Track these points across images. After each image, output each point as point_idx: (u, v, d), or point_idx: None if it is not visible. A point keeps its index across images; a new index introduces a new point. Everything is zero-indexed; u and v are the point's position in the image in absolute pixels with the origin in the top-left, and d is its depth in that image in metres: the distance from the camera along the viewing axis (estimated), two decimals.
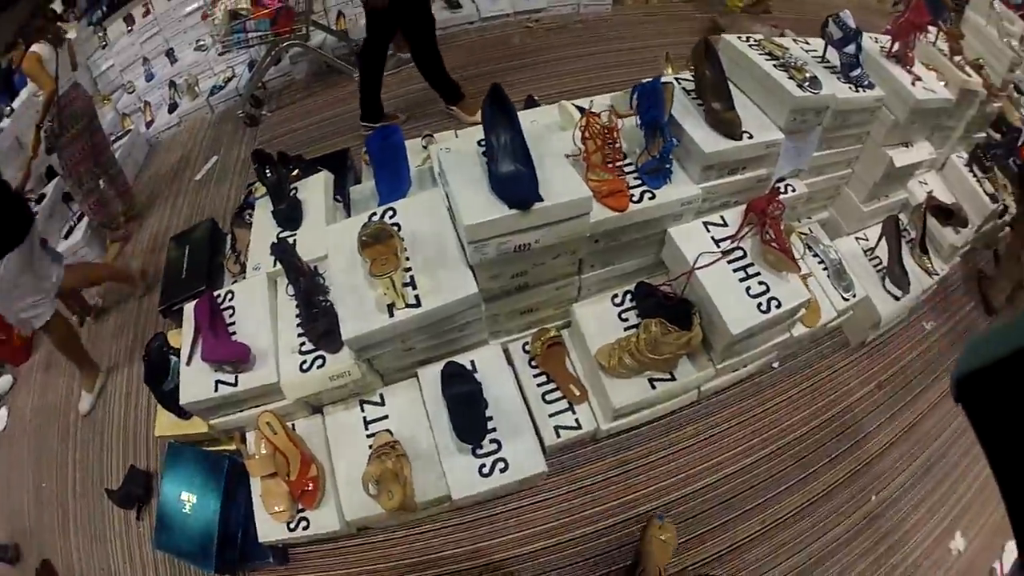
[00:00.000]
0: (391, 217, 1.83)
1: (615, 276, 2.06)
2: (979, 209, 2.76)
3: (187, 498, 1.81)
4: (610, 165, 1.79)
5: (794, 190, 2.18)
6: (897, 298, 2.35)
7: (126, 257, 3.28)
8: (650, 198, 1.84)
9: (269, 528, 1.66)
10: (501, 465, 1.71)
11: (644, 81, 1.87)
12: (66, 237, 3.24)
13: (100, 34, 4.42)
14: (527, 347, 2.01)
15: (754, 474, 2.08)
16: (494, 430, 1.76)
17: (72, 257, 3.17)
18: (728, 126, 1.89)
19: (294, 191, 2.05)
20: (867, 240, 2.52)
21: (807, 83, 1.91)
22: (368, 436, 1.79)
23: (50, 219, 3.34)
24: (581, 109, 2.17)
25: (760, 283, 1.88)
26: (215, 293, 1.85)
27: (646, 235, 1.91)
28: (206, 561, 1.77)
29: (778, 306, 1.83)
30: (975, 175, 2.83)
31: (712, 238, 1.97)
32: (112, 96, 4.37)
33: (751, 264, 1.92)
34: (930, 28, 2.62)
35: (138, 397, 2.52)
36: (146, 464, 2.32)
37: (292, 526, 1.64)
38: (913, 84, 2.13)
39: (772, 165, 1.98)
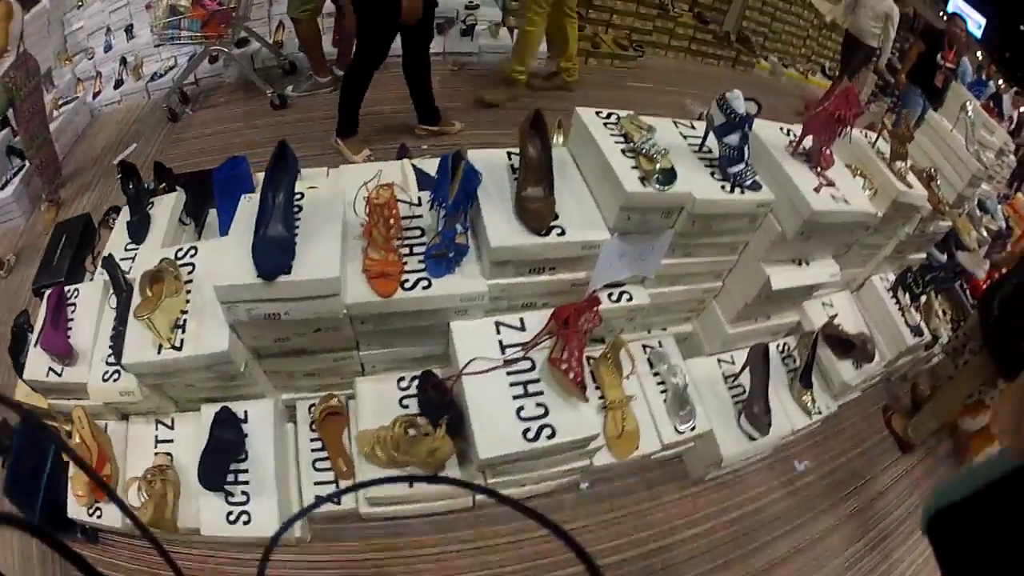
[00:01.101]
0: (192, 255, 1.56)
1: (406, 359, 1.61)
2: (894, 341, 2.17)
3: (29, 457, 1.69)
4: (392, 243, 1.39)
5: (631, 299, 1.62)
6: (752, 438, 1.78)
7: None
8: (425, 287, 1.39)
9: (74, 507, 1.52)
10: (245, 518, 1.44)
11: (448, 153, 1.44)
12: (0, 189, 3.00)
13: None
14: (311, 409, 1.68)
15: None
16: (247, 483, 1.48)
17: None
18: (532, 217, 1.38)
19: (151, 205, 1.87)
20: (733, 364, 1.92)
21: (656, 176, 1.38)
22: (155, 453, 1.57)
23: None
24: (417, 169, 1.76)
25: (539, 405, 1.40)
26: (66, 288, 1.72)
27: (428, 323, 1.47)
28: (31, 515, 1.61)
29: (551, 436, 1.37)
30: (898, 302, 2.21)
31: (500, 341, 1.48)
32: (74, 59, 3.87)
33: (536, 381, 1.44)
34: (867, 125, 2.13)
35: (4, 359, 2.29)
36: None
37: (90, 512, 1.51)
38: (817, 190, 1.55)
39: (590, 268, 1.48)
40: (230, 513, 1.46)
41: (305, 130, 3.03)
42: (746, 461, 1.93)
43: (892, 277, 2.30)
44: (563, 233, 1.41)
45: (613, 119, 1.56)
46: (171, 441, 1.57)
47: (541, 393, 1.43)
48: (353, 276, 1.39)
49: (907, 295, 2.27)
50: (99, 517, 1.51)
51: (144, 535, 0.47)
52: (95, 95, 3.62)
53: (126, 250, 1.76)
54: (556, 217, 1.43)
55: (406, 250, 1.45)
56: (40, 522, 1.57)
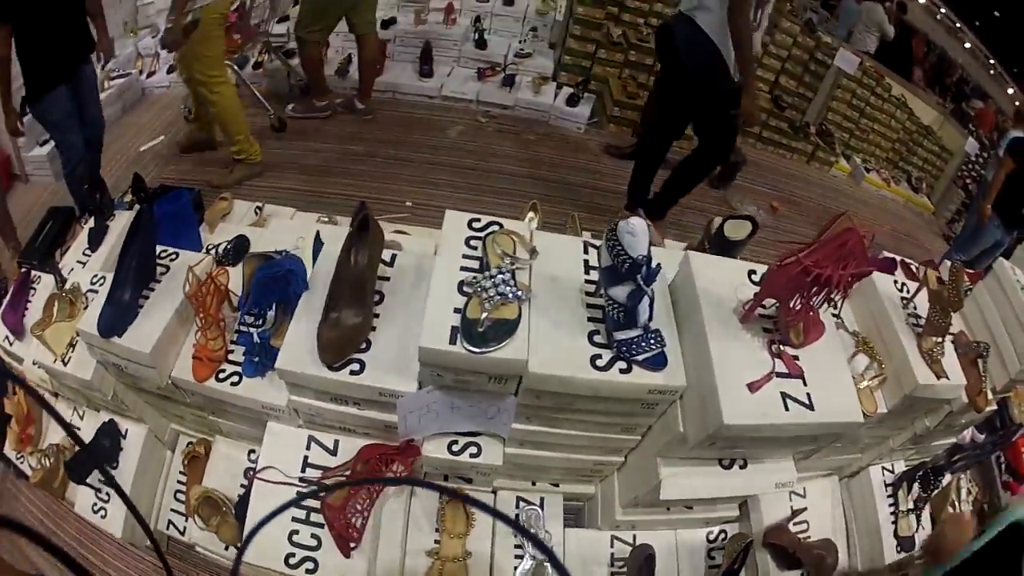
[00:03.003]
0: (100, 283, 1.41)
1: (250, 437, 1.33)
2: (872, 554, 1.39)
3: None
4: (220, 326, 1.17)
5: (477, 454, 1.13)
6: None
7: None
8: (233, 383, 1.13)
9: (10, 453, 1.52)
10: (102, 513, 1.42)
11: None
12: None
13: None
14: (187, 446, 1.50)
15: None
16: None
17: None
18: (324, 348, 0.99)
19: (112, 218, 1.71)
20: (632, 545, 1.30)
21: (478, 330, 0.90)
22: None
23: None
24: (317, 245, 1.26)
25: (313, 536, 1.08)
26: (33, 273, 1.68)
27: (247, 416, 1.23)
28: None
29: (310, 572, 1.08)
30: (895, 504, 1.40)
31: (306, 458, 1.15)
32: (139, 32, 3.40)
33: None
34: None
35: None
36: None
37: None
38: (753, 388, 0.94)
39: (393, 413, 1.08)
40: (95, 504, 1.38)
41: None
42: None
43: (901, 467, 1.43)
44: (360, 371, 0.98)
45: (487, 230, 1.04)
46: (80, 428, 1.51)
47: (323, 527, 1.06)
48: (188, 346, 1.17)
49: (910, 497, 1.39)
50: (21, 462, 1.54)
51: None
52: (149, 75, 3.26)
53: (83, 254, 1.68)
54: (366, 347, 1.03)
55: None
56: None
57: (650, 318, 0.95)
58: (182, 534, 1.38)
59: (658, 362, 0.95)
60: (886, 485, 1.39)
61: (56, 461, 1.43)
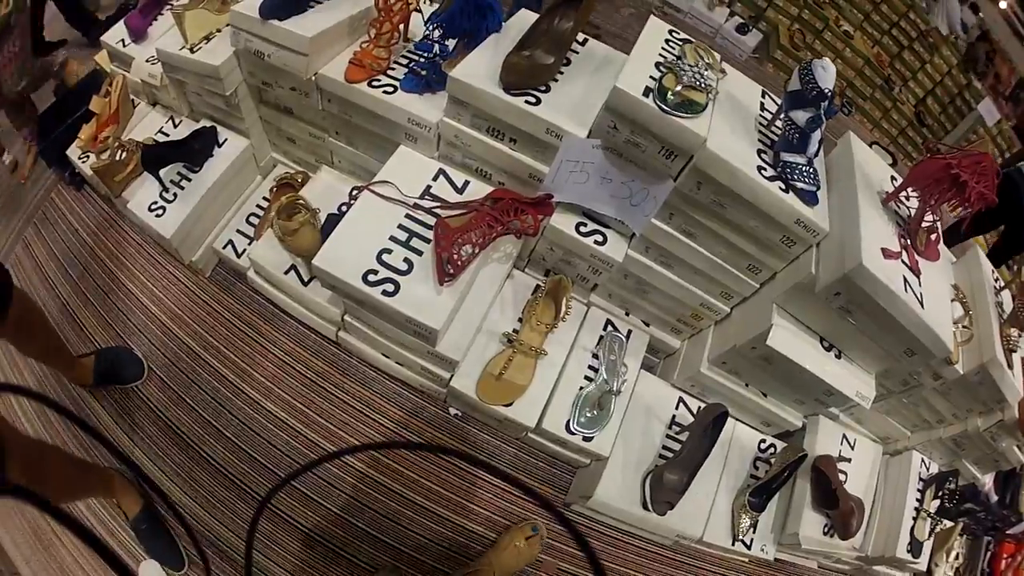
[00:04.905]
0: None
1: (365, 170, 1.32)
2: (884, 540, 1.36)
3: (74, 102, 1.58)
4: (391, 44, 1.16)
5: (603, 242, 1.12)
6: (645, 507, 1.19)
7: None
8: (386, 92, 1.10)
9: (72, 149, 1.46)
10: (159, 212, 1.33)
11: None
12: None
13: None
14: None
15: None
16: (182, 188, 1.38)
17: None
18: (508, 71, 0.99)
19: None
20: (691, 413, 1.29)
21: (669, 97, 0.93)
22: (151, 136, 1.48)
23: None
24: None
25: (406, 260, 1.03)
26: None
27: (383, 134, 1.19)
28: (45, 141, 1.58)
29: (389, 294, 1.01)
30: (921, 500, 1.39)
31: (428, 187, 1.11)
32: None
33: (427, 241, 1.05)
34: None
35: None
36: None
37: (80, 157, 1.45)
38: (887, 255, 0.97)
39: (547, 163, 1.06)
40: (154, 203, 1.32)
41: None
42: (624, 523, 1.29)
43: (935, 469, 1.43)
44: (535, 103, 0.98)
45: (681, 38, 1.08)
46: (168, 135, 1.47)
47: (420, 254, 1.02)
48: (344, 55, 1.15)
49: (935, 501, 1.38)
50: (83, 162, 1.44)
51: None
52: None
53: None
54: (543, 88, 1.02)
55: (406, 60, 1.17)
56: (45, 149, 1.54)
57: (816, 153, 0.99)
58: (238, 255, 1.31)
59: (812, 198, 0.99)
60: (920, 479, 1.38)
61: (131, 154, 1.37)
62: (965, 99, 3.79)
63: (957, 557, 1.62)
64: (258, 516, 0.43)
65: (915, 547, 1.35)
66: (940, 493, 1.39)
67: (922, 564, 1.37)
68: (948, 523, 1.45)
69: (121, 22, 1.50)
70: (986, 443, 1.32)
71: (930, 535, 1.38)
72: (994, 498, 1.73)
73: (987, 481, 1.65)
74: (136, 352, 1.29)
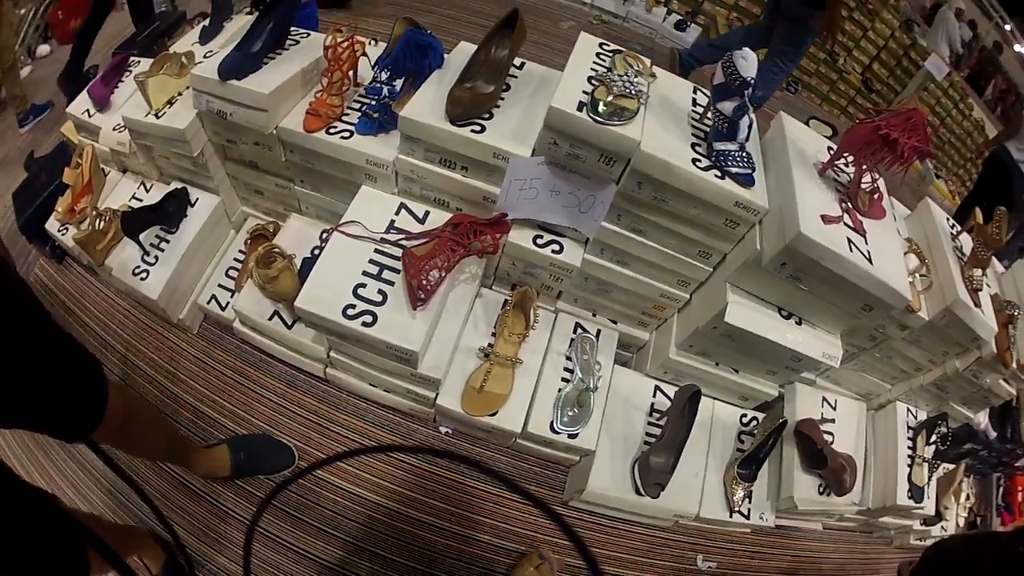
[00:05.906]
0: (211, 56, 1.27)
1: (332, 212, 1.38)
2: (883, 492, 1.41)
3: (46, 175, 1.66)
4: (343, 90, 1.23)
5: (559, 251, 1.20)
6: (637, 492, 1.25)
7: None
8: (343, 137, 1.17)
9: (51, 223, 1.52)
10: (143, 275, 1.37)
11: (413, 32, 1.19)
12: None
13: None
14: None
15: None
16: (162, 250, 1.43)
17: None
18: (452, 103, 1.08)
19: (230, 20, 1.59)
20: (669, 399, 1.35)
21: (601, 108, 1.00)
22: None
23: None
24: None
25: (380, 292, 1.09)
26: (132, 58, 1.64)
27: (345, 177, 1.26)
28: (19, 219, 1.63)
29: (368, 324, 1.07)
30: (913, 447, 1.43)
31: (392, 221, 1.18)
32: None
33: (397, 272, 1.11)
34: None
35: None
36: None
37: (59, 229, 1.51)
38: (827, 221, 1.04)
39: (498, 185, 1.13)
40: (137, 267, 1.37)
41: None
42: (622, 512, 1.34)
43: (923, 415, 1.48)
44: (480, 131, 1.06)
45: (611, 50, 1.17)
46: (141, 200, 1.52)
47: (392, 284, 1.08)
48: (301, 106, 1.23)
49: (928, 447, 1.42)
50: (63, 235, 1.50)
51: None
52: None
53: (191, 45, 1.54)
54: (486, 116, 1.10)
55: (358, 104, 1.24)
56: (24, 225, 1.59)
57: (747, 139, 1.07)
58: (222, 308, 1.37)
59: (748, 180, 1.06)
60: (908, 428, 1.43)
61: (109, 222, 1.42)
62: (911, 58, 3.90)
63: (968, 498, 1.66)
64: (250, 542, 0.46)
65: (916, 492, 1.40)
66: (932, 438, 1.44)
67: (928, 508, 1.42)
68: (949, 466, 1.50)
69: (84, 92, 1.55)
70: (969, 382, 1.38)
71: (930, 479, 1.42)
72: (993, 434, 1.78)
73: (982, 419, 1.71)
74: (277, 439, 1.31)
